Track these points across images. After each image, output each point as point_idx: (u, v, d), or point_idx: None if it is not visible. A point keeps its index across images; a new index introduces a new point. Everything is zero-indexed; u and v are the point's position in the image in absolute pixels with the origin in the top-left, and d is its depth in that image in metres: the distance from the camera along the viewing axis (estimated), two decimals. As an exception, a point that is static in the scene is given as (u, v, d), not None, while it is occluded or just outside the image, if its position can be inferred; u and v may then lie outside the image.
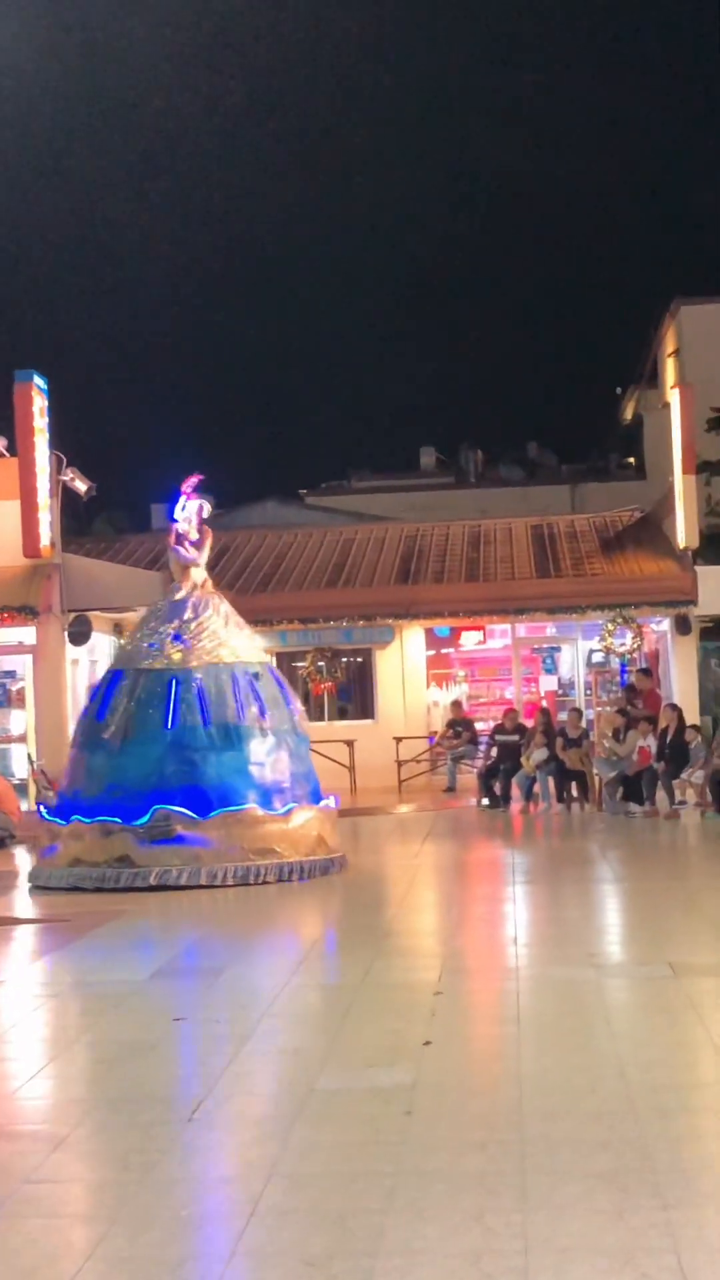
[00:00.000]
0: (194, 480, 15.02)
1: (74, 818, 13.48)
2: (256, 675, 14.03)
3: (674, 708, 19.51)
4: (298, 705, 14.86)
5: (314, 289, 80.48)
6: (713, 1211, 4.61)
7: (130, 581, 21.16)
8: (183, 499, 15.01)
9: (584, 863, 14.68)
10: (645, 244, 78.40)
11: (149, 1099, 6.24)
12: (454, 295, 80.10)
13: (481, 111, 75.28)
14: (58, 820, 13.73)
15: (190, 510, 14.97)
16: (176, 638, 14.04)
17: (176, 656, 13.89)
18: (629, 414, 42.31)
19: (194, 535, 14.90)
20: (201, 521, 14.99)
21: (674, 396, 26.26)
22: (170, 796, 13.14)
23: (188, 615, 14.30)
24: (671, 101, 77.12)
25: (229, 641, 14.19)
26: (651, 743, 18.55)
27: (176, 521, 15.01)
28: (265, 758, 13.65)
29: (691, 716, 20.73)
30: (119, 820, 13.11)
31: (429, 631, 25.28)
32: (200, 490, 15.08)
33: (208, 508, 15.25)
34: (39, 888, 13.25)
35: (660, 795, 18.16)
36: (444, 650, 25.83)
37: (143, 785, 13.27)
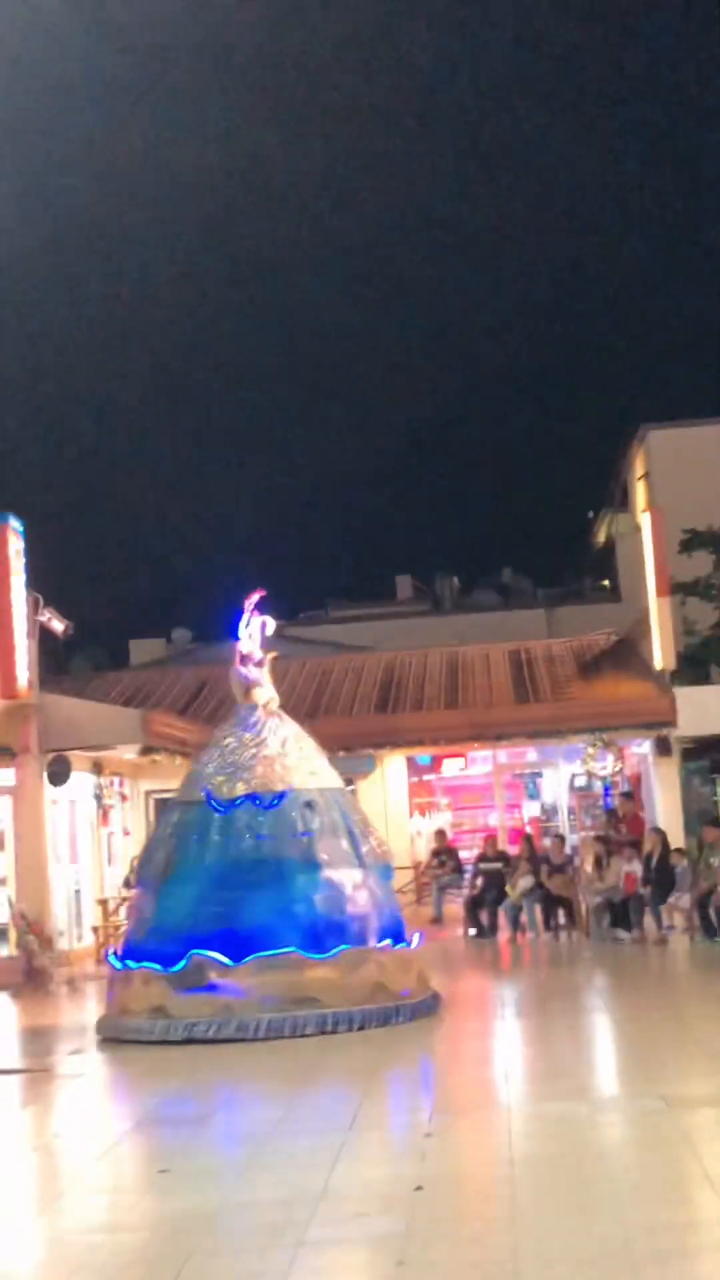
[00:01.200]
0: (257, 596, 14.21)
1: (126, 963, 12.65)
2: (309, 803, 12.79)
3: (658, 831, 19.43)
4: (373, 834, 13.54)
5: (286, 421, 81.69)
6: None
7: (109, 719, 21.09)
8: (246, 616, 14.11)
9: (573, 993, 14.49)
10: (613, 371, 79.99)
11: (129, 1257, 6.06)
12: (426, 425, 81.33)
13: (447, 235, 77.14)
14: (114, 964, 12.91)
15: (254, 628, 14.08)
16: (229, 765, 13.09)
17: (222, 786, 12.90)
18: (602, 537, 42.79)
19: (258, 654, 14.02)
20: (265, 640, 14.16)
21: (645, 520, 26.59)
22: (207, 941, 12.07)
23: (244, 740, 13.30)
24: (639, 228, 79.30)
25: (288, 767, 13.08)
26: (637, 868, 18.45)
27: (238, 641, 14.13)
28: (314, 894, 12.39)
29: (676, 839, 20.62)
30: (158, 966, 12.17)
31: (410, 760, 25.22)
32: (262, 608, 14.26)
33: (271, 625, 14.40)
34: (104, 1039, 12.35)
35: (648, 921, 18.01)
36: (426, 778, 25.75)
37: (179, 928, 12.28)
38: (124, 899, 21.04)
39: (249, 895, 12.20)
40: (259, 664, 14.00)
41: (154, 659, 37.32)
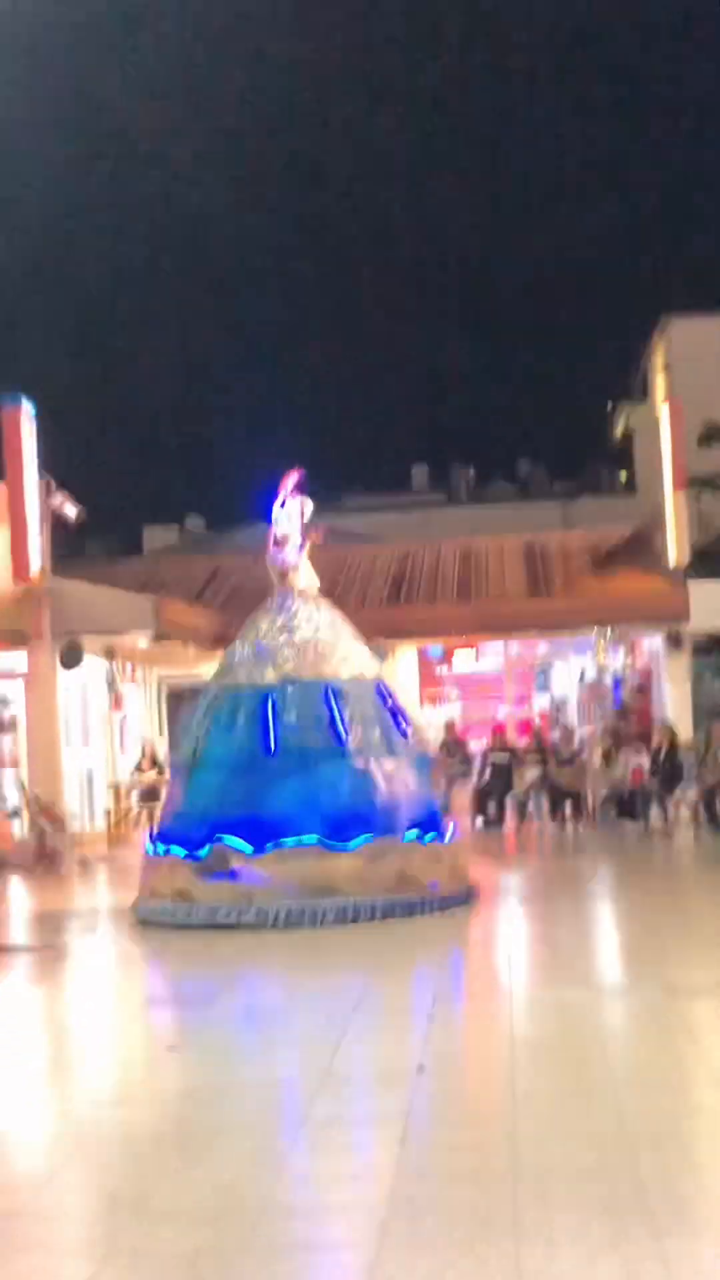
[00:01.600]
0: (295, 476, 13.64)
1: (156, 847, 12.66)
2: (338, 691, 12.47)
3: (667, 725, 19.51)
4: (410, 724, 13.25)
5: (302, 308, 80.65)
6: (708, 1241, 4.58)
7: (122, 605, 21.11)
8: (281, 497, 13.56)
9: (578, 882, 14.65)
10: (635, 258, 78.68)
11: (140, 1130, 6.21)
12: (443, 312, 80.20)
13: (466, 121, 75.51)
14: (147, 849, 12.93)
15: (291, 510, 13.53)
16: (260, 651, 12.83)
17: (252, 672, 12.71)
18: (620, 430, 42.38)
19: (296, 538, 13.48)
20: (306, 522, 13.62)
21: (664, 411, 26.31)
22: (231, 827, 11.99)
23: (276, 626, 13.01)
24: (662, 118, 77.38)
25: (320, 654, 12.77)
26: (644, 760, 18.56)
27: (274, 524, 13.58)
28: (339, 784, 12.15)
29: (684, 734, 20.71)
30: (183, 852, 12.16)
31: (421, 652, 25.26)
32: (301, 488, 13.66)
33: (309, 507, 13.75)
34: (135, 921, 12.29)
35: (654, 813, 18.16)
36: (437, 670, 25.81)
37: (205, 815, 12.22)
38: (136, 783, 21.27)
39: (273, 783, 12.06)
40: (298, 547, 13.52)
41: (167, 546, 37.31)
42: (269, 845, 11.83)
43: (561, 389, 76.76)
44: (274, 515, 13.57)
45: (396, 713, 12.95)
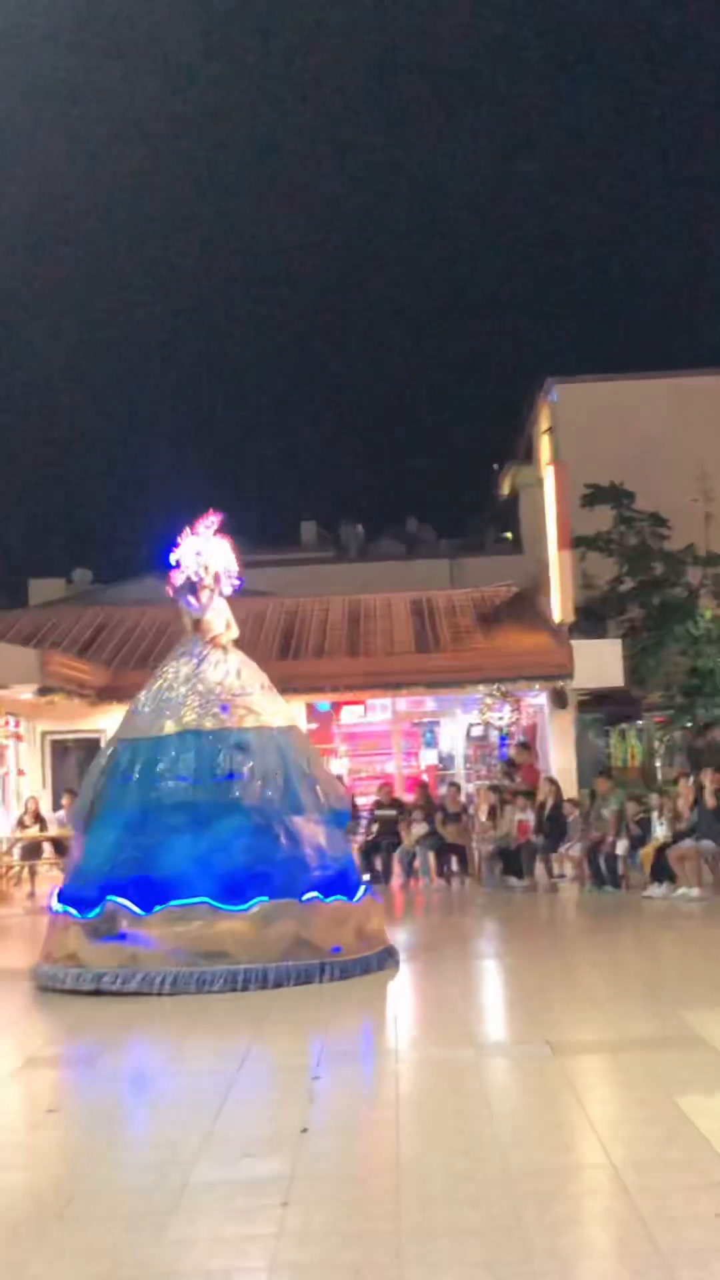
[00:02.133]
0: (211, 519, 13.03)
1: (53, 907, 12.18)
2: (240, 744, 11.88)
3: (552, 781, 19.69)
4: (324, 777, 12.75)
5: (195, 363, 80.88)
6: (590, 1299, 4.57)
7: (6, 658, 20.86)
8: (191, 540, 12.95)
9: (464, 939, 14.67)
10: (521, 322, 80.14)
11: (18, 1194, 6.06)
12: (335, 369, 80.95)
13: (367, 192, 76.55)
14: (51, 908, 12.39)
15: (208, 552, 12.95)
16: (161, 701, 12.25)
17: (152, 724, 12.13)
18: (506, 490, 42.98)
19: (209, 581, 12.91)
20: (231, 566, 13.11)
21: (548, 473, 26.75)
22: (122, 888, 11.43)
23: (180, 675, 12.44)
24: (549, 179, 79.21)
25: (226, 703, 12.20)
26: (530, 817, 18.69)
27: (184, 566, 12.95)
28: (235, 842, 11.53)
29: (569, 790, 20.92)
30: (76, 913, 11.65)
31: (310, 706, 25.23)
32: (218, 530, 13.09)
33: (227, 551, 13.14)
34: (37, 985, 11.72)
35: (539, 870, 18.27)
36: (325, 725, 25.79)
37: (98, 873, 11.69)
38: (17, 839, 20.90)
39: (166, 841, 11.50)
40: (213, 592, 12.94)
41: (54, 599, 36.94)
42: (157, 906, 11.27)
43: (448, 449, 77.76)
44: (183, 557, 12.93)
45: (305, 766, 12.31)
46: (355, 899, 11.96)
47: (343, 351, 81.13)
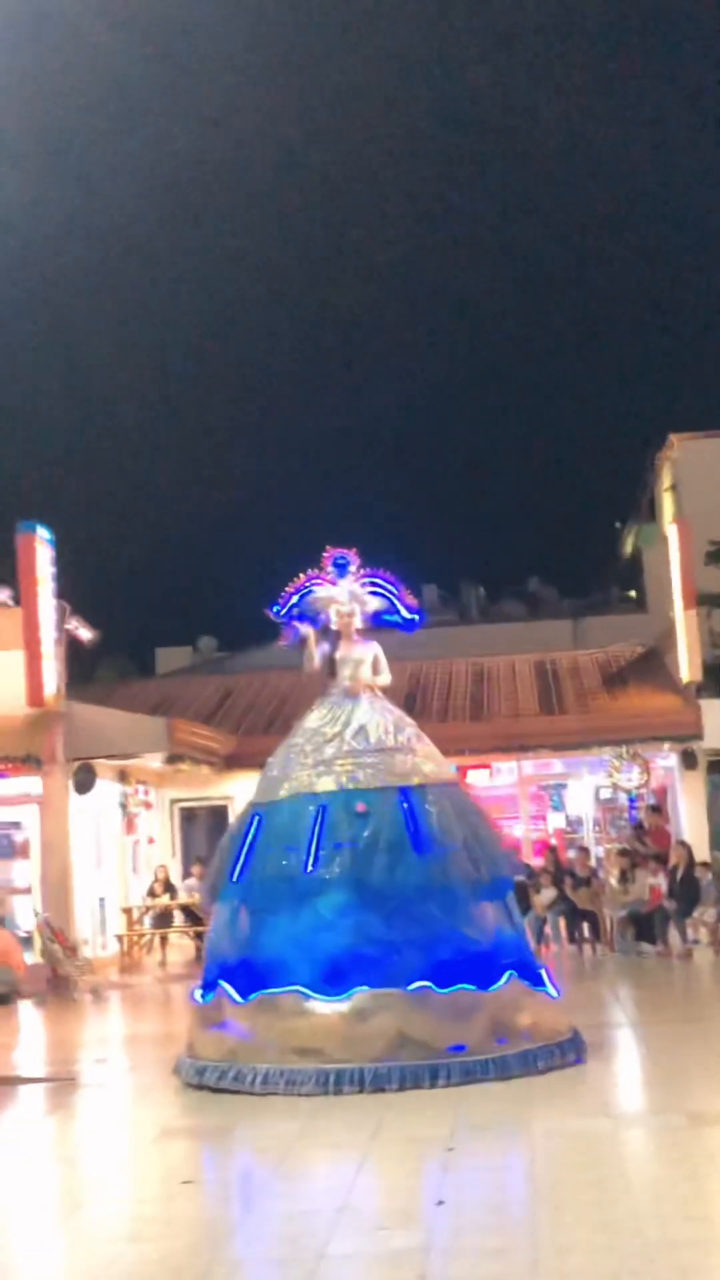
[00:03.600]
0: (340, 555, 11.52)
1: (194, 991, 11.15)
2: (357, 809, 10.39)
3: (683, 844, 19.40)
4: (484, 839, 10.81)
5: (313, 422, 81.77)
6: None
7: (134, 728, 21.16)
8: (334, 573, 11.46)
9: (597, 1007, 14.44)
10: (641, 379, 79.80)
11: (155, 1266, 6.08)
12: (454, 431, 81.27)
13: (472, 239, 77.14)
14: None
15: (352, 591, 11.40)
16: (288, 762, 10.95)
17: (273, 787, 10.90)
18: (629, 548, 42.73)
19: (357, 621, 11.34)
20: (402, 600, 11.47)
21: (672, 531, 26.54)
22: (232, 971, 10.38)
23: (308, 728, 11.09)
24: (667, 237, 79.11)
25: (358, 763, 10.67)
26: (662, 881, 18.41)
27: (323, 608, 11.38)
28: (339, 920, 10.06)
29: (701, 853, 20.57)
30: (198, 997, 10.79)
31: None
32: (343, 566, 11.45)
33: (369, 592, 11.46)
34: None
35: (673, 935, 17.96)
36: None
37: (215, 953, 10.83)
38: (148, 908, 21.12)
39: (269, 919, 10.34)
40: (355, 632, 11.35)
41: (180, 667, 37.44)
42: (253, 993, 10.11)
43: (570, 508, 77.48)
44: (320, 597, 11.39)
45: (449, 829, 10.52)
46: (493, 987, 10.04)
47: (462, 411, 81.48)
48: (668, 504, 34.29)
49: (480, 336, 78.29)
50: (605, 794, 24.90)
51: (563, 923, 19.08)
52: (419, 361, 78.42)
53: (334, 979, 9.94)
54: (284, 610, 11.35)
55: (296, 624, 11.36)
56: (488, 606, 45.99)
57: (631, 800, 23.87)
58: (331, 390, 79.07)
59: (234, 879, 10.68)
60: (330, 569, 11.45)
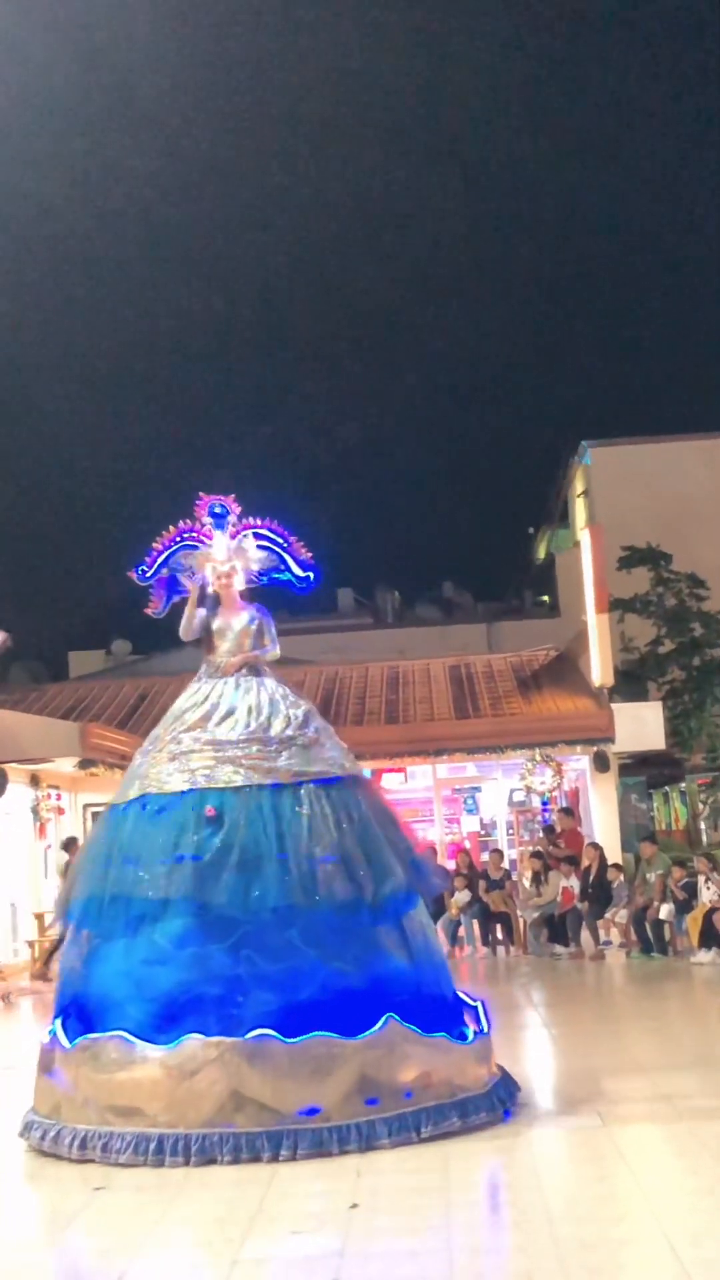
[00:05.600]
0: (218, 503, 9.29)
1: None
2: (203, 810, 8.31)
3: (596, 846, 19.56)
4: (332, 855, 8.24)
5: (225, 429, 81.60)
6: None
7: (47, 732, 20.96)
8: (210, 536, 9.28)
9: (511, 1008, 14.52)
10: (554, 385, 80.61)
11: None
12: (368, 434, 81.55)
13: (385, 243, 77.46)
14: None
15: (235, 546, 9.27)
16: (143, 757, 9.00)
17: (121, 789, 8.95)
18: (542, 553, 43.13)
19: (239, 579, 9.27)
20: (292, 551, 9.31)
21: (584, 536, 26.81)
22: (65, 1008, 8.51)
23: (164, 724, 9.13)
24: (583, 243, 79.97)
25: (219, 756, 8.58)
26: (575, 883, 18.56)
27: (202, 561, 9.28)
28: (176, 952, 8.04)
29: (613, 855, 20.78)
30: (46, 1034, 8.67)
31: (350, 774, 25.18)
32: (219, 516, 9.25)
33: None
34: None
35: (585, 936, 18.12)
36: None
37: (62, 984, 8.88)
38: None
39: (104, 947, 8.37)
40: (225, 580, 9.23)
41: (94, 671, 37.17)
42: (78, 1036, 8.15)
43: (483, 513, 78.03)
44: (194, 555, 9.31)
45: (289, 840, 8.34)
46: (363, 1034, 7.80)
47: (375, 416, 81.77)
48: (580, 509, 34.68)
49: (396, 340, 78.62)
50: (519, 797, 25.07)
51: (476, 925, 19.16)
52: (337, 365, 78.60)
53: (165, 1023, 7.90)
54: (150, 571, 9.23)
55: (170, 589, 9.37)
56: (403, 611, 46.17)
57: (544, 803, 24.07)
58: (246, 392, 78.91)
59: (76, 896, 8.68)
60: (206, 520, 9.25)
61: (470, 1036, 8.48)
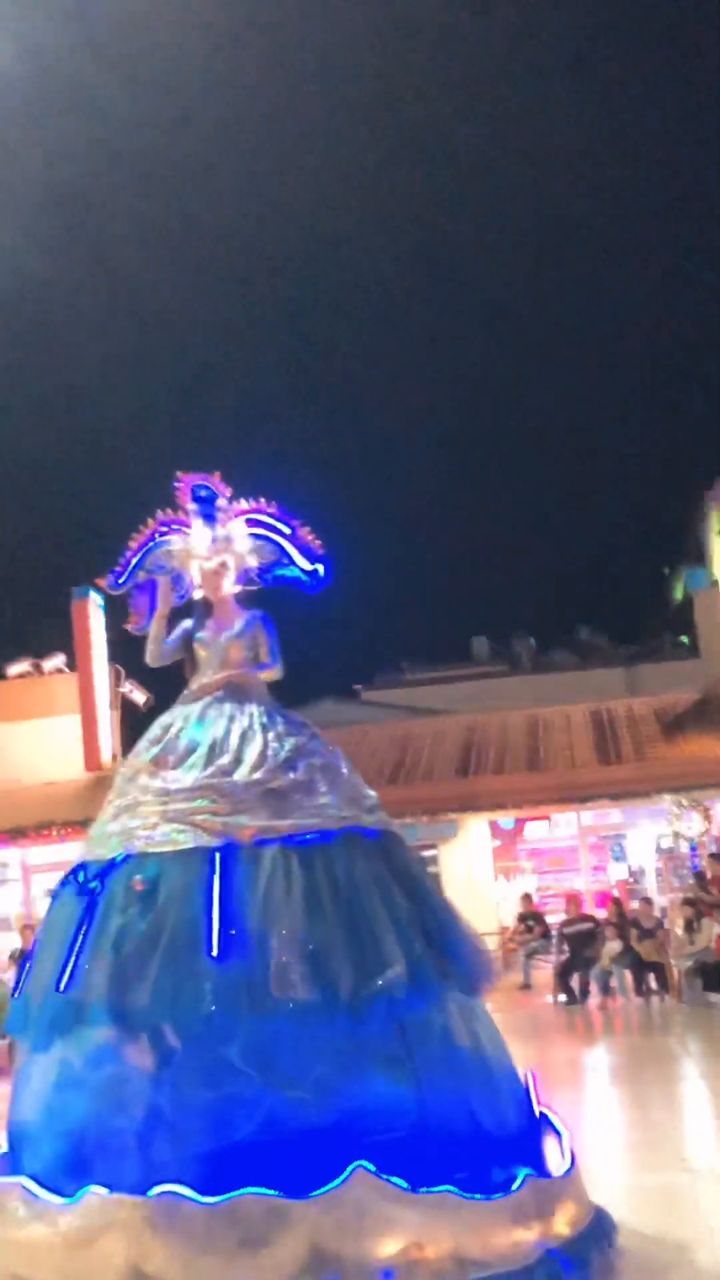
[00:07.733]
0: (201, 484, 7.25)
1: None
2: (100, 881, 6.51)
3: (748, 891, 19.14)
4: (294, 935, 6.09)
5: (352, 485, 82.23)
6: None
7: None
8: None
9: (668, 1059, 14.24)
10: (686, 422, 79.82)
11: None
12: (499, 480, 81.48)
13: (517, 290, 77.65)
14: None
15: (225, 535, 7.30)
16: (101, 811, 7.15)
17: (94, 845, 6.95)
18: (679, 593, 42.55)
19: (230, 580, 7.38)
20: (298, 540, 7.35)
21: (721, 575, 26.43)
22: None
23: (125, 768, 7.32)
24: (709, 278, 79.29)
25: (166, 810, 6.63)
26: (728, 929, 18.16)
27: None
28: (91, 1072, 6.10)
29: (767, 898, 20.28)
30: None
31: (493, 824, 25.06)
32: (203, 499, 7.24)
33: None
34: None
35: (741, 983, 17.69)
36: (509, 842, 25.59)
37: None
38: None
39: (29, 1060, 6.66)
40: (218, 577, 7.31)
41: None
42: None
43: (618, 555, 77.45)
44: (174, 550, 7.34)
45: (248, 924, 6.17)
46: (318, 1191, 5.56)
47: (507, 459, 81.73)
48: (716, 547, 34.16)
49: (524, 384, 78.62)
50: (666, 843, 24.65)
51: (628, 975, 18.84)
52: (463, 410, 78.86)
53: (74, 1168, 5.94)
54: (123, 577, 7.31)
55: (154, 597, 7.43)
56: (538, 657, 45.89)
57: (693, 848, 23.62)
58: (378, 443, 79.49)
59: (13, 992, 7.08)
60: (190, 508, 7.27)
61: (517, 1182, 5.91)
